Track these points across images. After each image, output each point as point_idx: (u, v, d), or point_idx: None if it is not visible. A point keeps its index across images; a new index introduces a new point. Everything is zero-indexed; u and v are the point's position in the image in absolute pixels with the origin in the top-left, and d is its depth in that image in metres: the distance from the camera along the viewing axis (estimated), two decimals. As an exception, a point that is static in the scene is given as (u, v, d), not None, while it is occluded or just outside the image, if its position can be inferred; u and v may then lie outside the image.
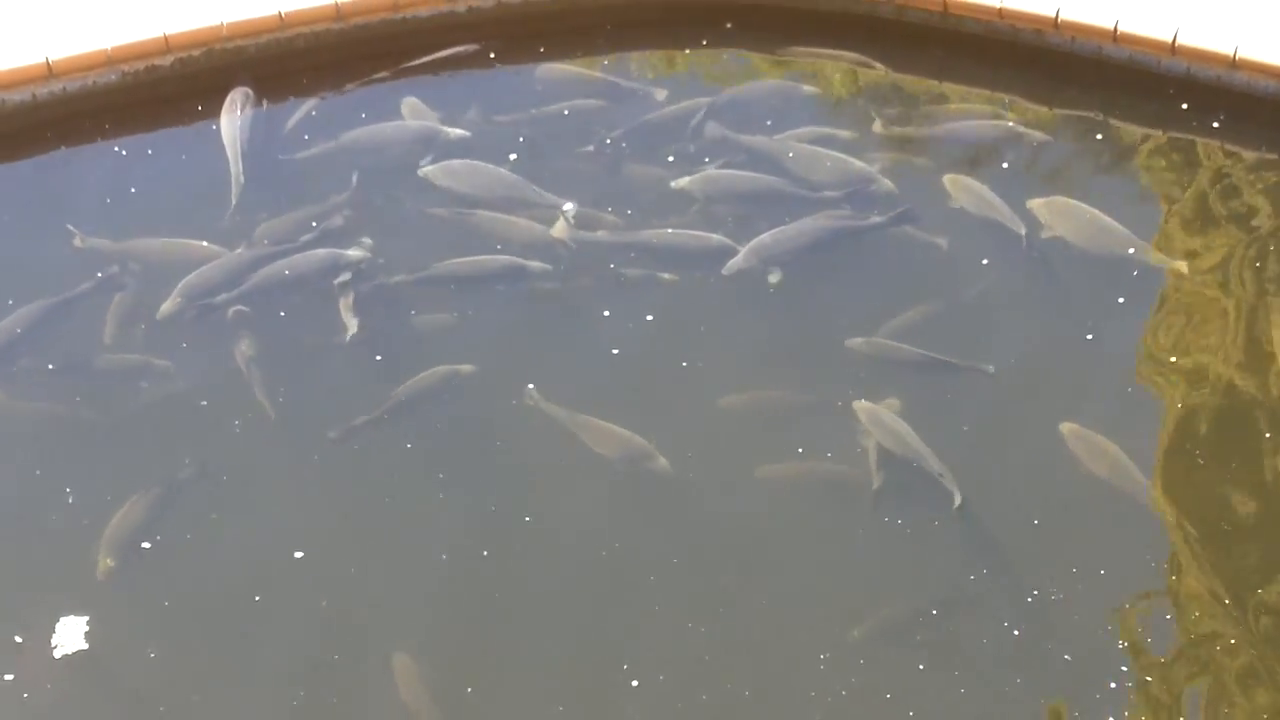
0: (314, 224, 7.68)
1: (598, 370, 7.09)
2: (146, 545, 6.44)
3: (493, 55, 8.66)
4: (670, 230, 7.63)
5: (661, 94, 8.41)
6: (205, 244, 7.64)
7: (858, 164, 7.89)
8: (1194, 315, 7.25)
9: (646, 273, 7.43)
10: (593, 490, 6.63)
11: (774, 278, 7.40)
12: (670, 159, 8.06)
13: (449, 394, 6.99)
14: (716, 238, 7.57)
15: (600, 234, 7.63)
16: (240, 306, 7.31)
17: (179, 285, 7.40)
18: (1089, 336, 7.09)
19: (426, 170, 7.96)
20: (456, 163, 8.02)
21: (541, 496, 6.59)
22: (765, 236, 7.55)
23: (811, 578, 6.31)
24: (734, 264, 7.46)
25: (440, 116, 8.29)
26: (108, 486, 6.65)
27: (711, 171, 7.95)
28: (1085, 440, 6.67)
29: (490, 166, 8.00)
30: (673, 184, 7.88)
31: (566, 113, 8.32)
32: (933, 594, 6.22)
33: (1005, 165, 7.93)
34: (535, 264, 7.47)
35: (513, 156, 8.09)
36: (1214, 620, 6.12)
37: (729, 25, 8.80)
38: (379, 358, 7.12)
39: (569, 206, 7.74)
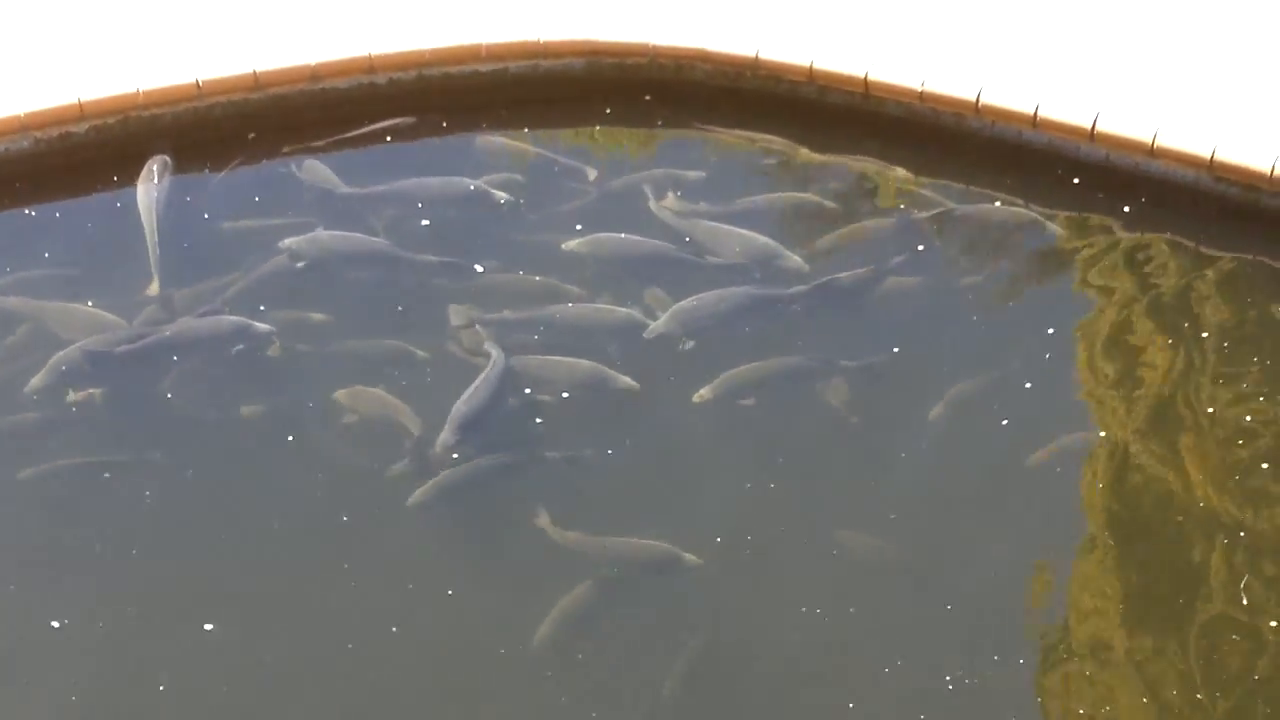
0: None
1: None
2: (55, 624, 6.30)
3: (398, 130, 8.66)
4: (572, 305, 7.57)
5: (592, 173, 8.38)
6: (103, 312, 7.52)
7: (763, 239, 7.88)
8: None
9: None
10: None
11: (688, 345, 7.36)
12: (579, 226, 8.02)
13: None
14: (623, 310, 7.53)
15: (505, 314, 7.55)
16: (92, 389, 7.16)
17: (50, 361, 7.23)
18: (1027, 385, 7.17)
19: (289, 243, 7.85)
20: (323, 233, 7.95)
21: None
22: (687, 302, 7.51)
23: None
24: (655, 328, 7.41)
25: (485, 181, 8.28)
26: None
27: (601, 234, 7.94)
28: None
29: (358, 235, 7.96)
30: (563, 245, 7.86)
31: (472, 187, 8.25)
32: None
33: (921, 248, 7.93)
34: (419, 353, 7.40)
35: (424, 222, 8.05)
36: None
37: (648, 98, 8.79)
38: (290, 438, 7.03)
39: (479, 268, 7.73)
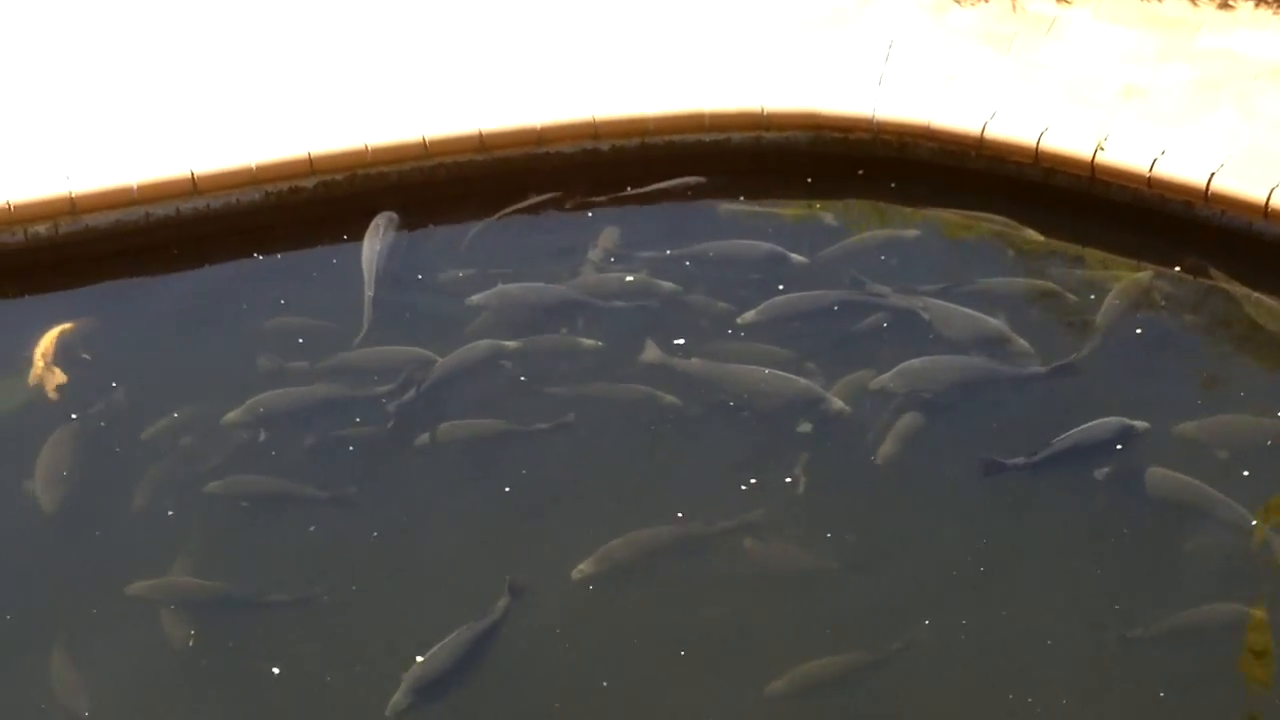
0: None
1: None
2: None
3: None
4: (767, 371, 7.49)
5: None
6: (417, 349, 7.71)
7: (993, 321, 7.77)
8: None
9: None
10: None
11: (804, 428, 7.30)
12: (781, 285, 8.05)
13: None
14: (803, 382, 7.45)
15: (694, 361, 7.59)
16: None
17: (247, 402, 7.39)
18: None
19: (476, 299, 7.96)
20: (512, 286, 8.05)
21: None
22: (916, 362, 7.47)
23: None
24: (881, 380, 7.38)
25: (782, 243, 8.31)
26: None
27: (776, 299, 7.92)
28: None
29: (545, 285, 8.05)
30: (739, 319, 7.82)
31: (688, 263, 8.24)
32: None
33: (1139, 331, 7.82)
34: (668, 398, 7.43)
35: (629, 277, 8.10)
36: None
37: (860, 172, 8.75)
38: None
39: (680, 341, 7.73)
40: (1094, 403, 7.34)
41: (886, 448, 7.15)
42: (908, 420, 7.25)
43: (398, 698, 6.26)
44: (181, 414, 7.40)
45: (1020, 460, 7.02)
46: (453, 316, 7.95)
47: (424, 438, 7.27)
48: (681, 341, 7.72)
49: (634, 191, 8.59)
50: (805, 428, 7.25)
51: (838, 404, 7.29)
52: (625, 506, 7.04)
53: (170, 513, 6.98)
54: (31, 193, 8.16)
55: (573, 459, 7.26)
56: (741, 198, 8.68)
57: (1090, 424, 7.17)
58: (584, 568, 6.71)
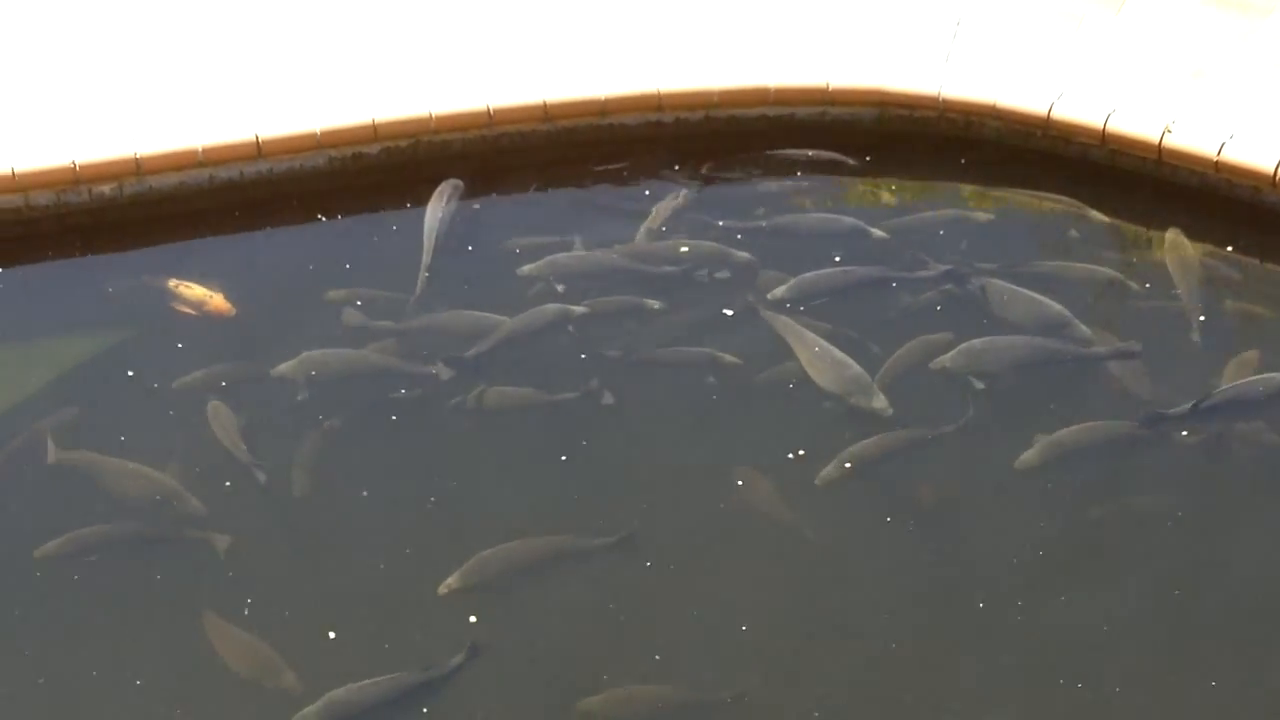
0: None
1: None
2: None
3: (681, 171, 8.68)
4: (818, 348, 7.42)
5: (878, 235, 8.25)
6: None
7: (1056, 305, 7.71)
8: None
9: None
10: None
11: (978, 386, 7.22)
12: (837, 257, 8.03)
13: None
14: (855, 367, 7.35)
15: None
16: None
17: (301, 356, 7.40)
18: None
19: (528, 269, 7.95)
20: (562, 255, 8.04)
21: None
22: (977, 342, 7.42)
23: None
24: (941, 361, 7.33)
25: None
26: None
27: (808, 274, 7.87)
28: None
29: (599, 254, 8.04)
30: (769, 294, 7.78)
31: (739, 236, 8.21)
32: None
33: (1203, 318, 7.71)
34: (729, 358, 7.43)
35: (684, 248, 8.08)
36: None
37: (924, 151, 8.71)
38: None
39: (728, 311, 7.72)
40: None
41: (828, 470, 6.96)
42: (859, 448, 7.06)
43: (308, 711, 5.99)
44: (232, 373, 7.42)
45: (1182, 409, 6.99)
46: (510, 286, 7.92)
47: (473, 400, 7.26)
48: (730, 312, 7.72)
49: (704, 168, 8.64)
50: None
51: (881, 401, 7.20)
52: (673, 472, 7.04)
53: (227, 483, 6.98)
54: (97, 153, 8.20)
55: (629, 423, 7.26)
56: (799, 173, 8.67)
57: (1256, 378, 7.17)
58: (451, 582, 6.43)
